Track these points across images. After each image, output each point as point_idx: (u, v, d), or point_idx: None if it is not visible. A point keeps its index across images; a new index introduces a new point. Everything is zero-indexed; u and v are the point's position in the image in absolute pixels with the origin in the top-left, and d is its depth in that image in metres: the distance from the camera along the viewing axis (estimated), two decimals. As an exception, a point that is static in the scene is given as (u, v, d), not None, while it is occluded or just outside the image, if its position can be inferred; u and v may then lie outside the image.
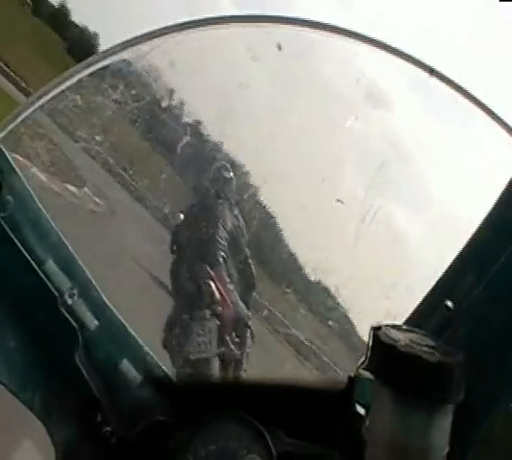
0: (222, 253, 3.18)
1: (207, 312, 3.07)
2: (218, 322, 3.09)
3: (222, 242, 3.17)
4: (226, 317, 3.11)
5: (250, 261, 3.22)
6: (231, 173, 2.95)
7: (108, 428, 1.45)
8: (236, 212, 3.19)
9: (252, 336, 3.16)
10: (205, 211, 3.26)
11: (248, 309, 3.21)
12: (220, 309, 3.10)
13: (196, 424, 1.42)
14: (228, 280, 3.14)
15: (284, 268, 3.60)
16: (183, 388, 1.53)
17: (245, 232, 3.21)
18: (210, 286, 3.09)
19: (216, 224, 3.19)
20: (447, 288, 1.35)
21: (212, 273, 3.06)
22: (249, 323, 3.16)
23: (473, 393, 1.04)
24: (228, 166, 2.93)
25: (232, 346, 3.10)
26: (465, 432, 1.22)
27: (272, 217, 3.12)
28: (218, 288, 3.09)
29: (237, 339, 3.12)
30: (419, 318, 1.37)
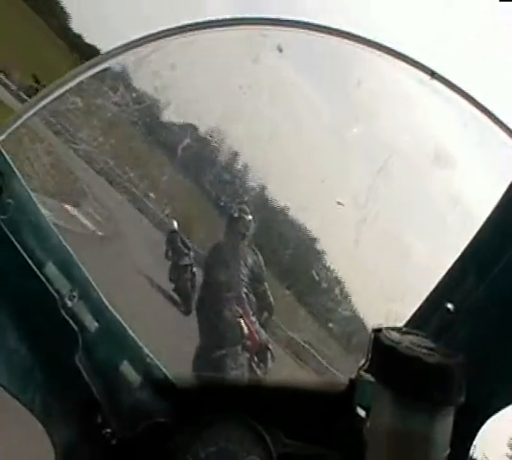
0: (245, 289, 3.28)
1: (239, 348, 3.19)
2: (247, 355, 3.23)
3: (245, 280, 3.28)
4: (253, 348, 3.24)
5: (269, 292, 3.36)
6: (250, 216, 3.08)
7: (108, 430, 1.46)
8: (253, 247, 3.31)
9: (272, 358, 3.31)
10: (228, 252, 3.37)
11: (266, 332, 3.34)
12: (249, 343, 3.22)
13: (196, 425, 1.42)
14: (251, 312, 3.24)
15: (284, 269, 3.66)
16: (183, 390, 1.53)
17: (263, 265, 3.33)
18: (240, 323, 3.18)
19: (238, 264, 3.30)
20: (447, 291, 1.35)
21: (240, 311, 3.15)
22: (270, 346, 3.31)
23: (473, 394, 1.04)
24: (247, 209, 3.04)
25: (257, 370, 3.24)
26: (466, 433, 1.22)
27: (274, 218, 3.16)
28: (246, 324, 3.19)
29: (261, 363, 3.26)
30: (420, 320, 1.38)
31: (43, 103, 1.41)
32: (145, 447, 1.46)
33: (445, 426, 1.03)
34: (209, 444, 1.40)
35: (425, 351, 1.02)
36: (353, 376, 1.27)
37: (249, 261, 3.33)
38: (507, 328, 1.25)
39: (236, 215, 3.13)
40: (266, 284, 3.36)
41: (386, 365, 1.03)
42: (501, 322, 1.26)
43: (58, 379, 1.41)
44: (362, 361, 1.12)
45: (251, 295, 3.30)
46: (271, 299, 3.37)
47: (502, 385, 1.27)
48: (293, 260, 3.46)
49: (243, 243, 3.33)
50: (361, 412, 1.14)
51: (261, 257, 3.31)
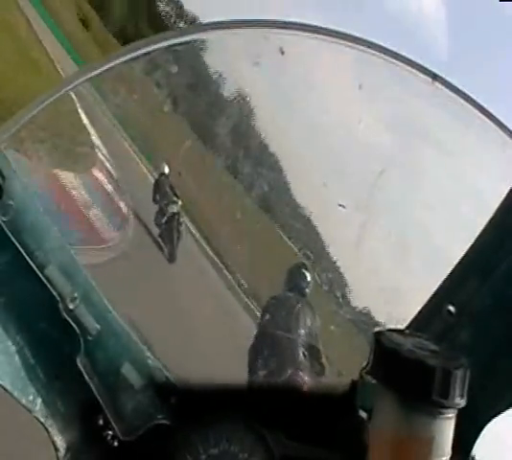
0: (303, 349, 3.26)
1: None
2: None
3: (302, 340, 3.28)
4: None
5: (322, 353, 3.31)
6: (309, 275, 3.08)
7: (110, 432, 1.46)
8: (312, 305, 3.31)
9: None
10: (288, 310, 3.36)
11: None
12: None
13: (197, 427, 1.42)
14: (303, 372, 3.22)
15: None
16: (185, 392, 1.53)
17: (318, 324, 3.32)
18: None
19: (298, 325, 3.30)
20: (449, 293, 1.35)
21: (301, 375, 3.12)
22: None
23: (474, 398, 1.04)
24: (308, 266, 3.04)
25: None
26: (467, 436, 1.22)
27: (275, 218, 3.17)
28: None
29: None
30: (421, 323, 1.38)
31: (45, 103, 1.41)
32: (147, 448, 1.46)
33: (447, 429, 1.02)
34: (210, 445, 1.40)
35: (427, 353, 1.02)
36: (354, 378, 1.28)
37: (308, 321, 3.32)
38: (509, 331, 1.25)
39: (296, 270, 3.12)
40: (321, 347, 3.33)
41: (388, 367, 1.03)
42: (503, 325, 1.26)
43: (59, 382, 1.41)
44: (364, 363, 1.12)
45: (305, 356, 3.25)
46: (324, 360, 3.30)
47: (504, 388, 1.27)
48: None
49: (303, 302, 3.32)
50: (363, 414, 1.14)
51: (318, 317, 3.30)
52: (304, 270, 3.10)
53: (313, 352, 3.26)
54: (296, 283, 3.20)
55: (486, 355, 1.24)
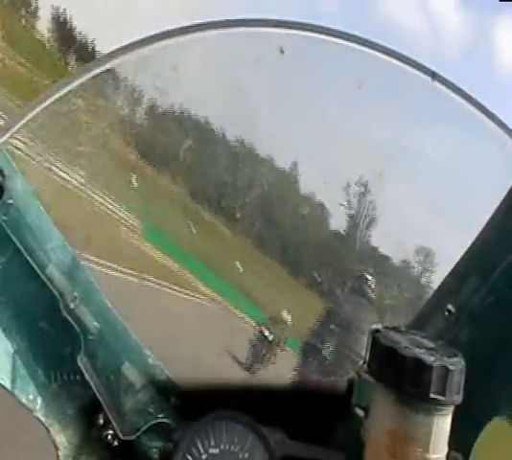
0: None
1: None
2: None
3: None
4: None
5: None
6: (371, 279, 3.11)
7: (110, 431, 1.46)
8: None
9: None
10: (350, 313, 3.37)
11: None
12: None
13: (197, 426, 1.42)
14: None
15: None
16: (185, 391, 1.53)
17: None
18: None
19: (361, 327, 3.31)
20: (449, 292, 1.35)
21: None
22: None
23: (474, 398, 1.04)
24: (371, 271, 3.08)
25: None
26: (467, 437, 1.22)
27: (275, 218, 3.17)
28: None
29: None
30: (421, 322, 1.38)
31: (44, 104, 1.42)
32: (147, 448, 1.47)
33: (444, 426, 1.03)
34: (210, 445, 1.40)
35: (424, 351, 1.02)
36: (351, 376, 1.28)
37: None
38: (509, 331, 1.25)
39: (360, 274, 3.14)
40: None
41: (385, 365, 1.03)
42: (503, 325, 1.26)
43: (59, 381, 1.41)
44: (361, 361, 1.12)
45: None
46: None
47: (503, 388, 1.27)
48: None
49: (366, 305, 3.33)
50: (360, 412, 1.14)
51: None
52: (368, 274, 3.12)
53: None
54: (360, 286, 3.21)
55: (486, 354, 1.24)
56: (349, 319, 3.23)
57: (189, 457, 1.41)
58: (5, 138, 1.36)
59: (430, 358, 1.00)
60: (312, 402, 1.46)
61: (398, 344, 1.03)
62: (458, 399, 1.00)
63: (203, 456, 1.40)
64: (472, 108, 1.39)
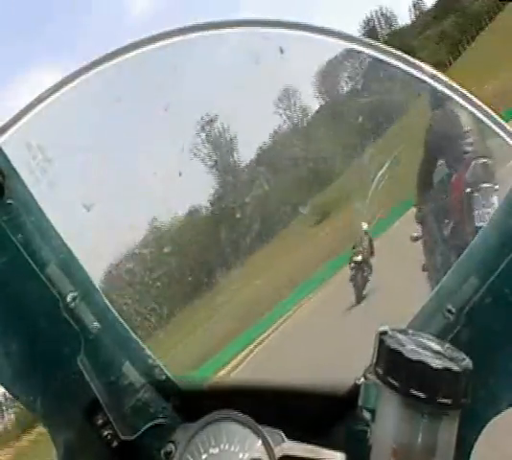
0: None
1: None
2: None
3: None
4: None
5: None
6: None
7: (110, 431, 1.46)
8: None
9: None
10: None
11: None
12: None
13: (197, 426, 1.42)
14: None
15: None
16: (185, 391, 1.53)
17: None
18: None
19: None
20: (449, 293, 1.35)
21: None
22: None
23: (474, 398, 1.04)
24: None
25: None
26: (467, 438, 1.23)
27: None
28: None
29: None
30: (421, 322, 1.38)
31: (42, 105, 1.41)
32: (146, 448, 1.47)
33: (450, 430, 1.03)
34: (210, 445, 1.40)
35: (430, 353, 1.03)
36: (358, 378, 1.28)
37: None
38: (509, 331, 1.25)
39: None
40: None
41: (391, 368, 1.03)
42: (503, 325, 1.26)
43: (59, 381, 1.41)
44: (367, 363, 1.12)
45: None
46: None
47: (504, 388, 1.27)
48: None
49: None
50: (367, 415, 1.14)
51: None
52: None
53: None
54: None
55: (486, 354, 1.24)
56: None
57: (189, 457, 1.41)
58: (5, 138, 1.36)
59: (436, 362, 1.00)
60: (312, 403, 1.46)
61: (404, 346, 1.03)
62: (465, 402, 1.01)
63: (203, 456, 1.40)
64: (471, 108, 1.40)
